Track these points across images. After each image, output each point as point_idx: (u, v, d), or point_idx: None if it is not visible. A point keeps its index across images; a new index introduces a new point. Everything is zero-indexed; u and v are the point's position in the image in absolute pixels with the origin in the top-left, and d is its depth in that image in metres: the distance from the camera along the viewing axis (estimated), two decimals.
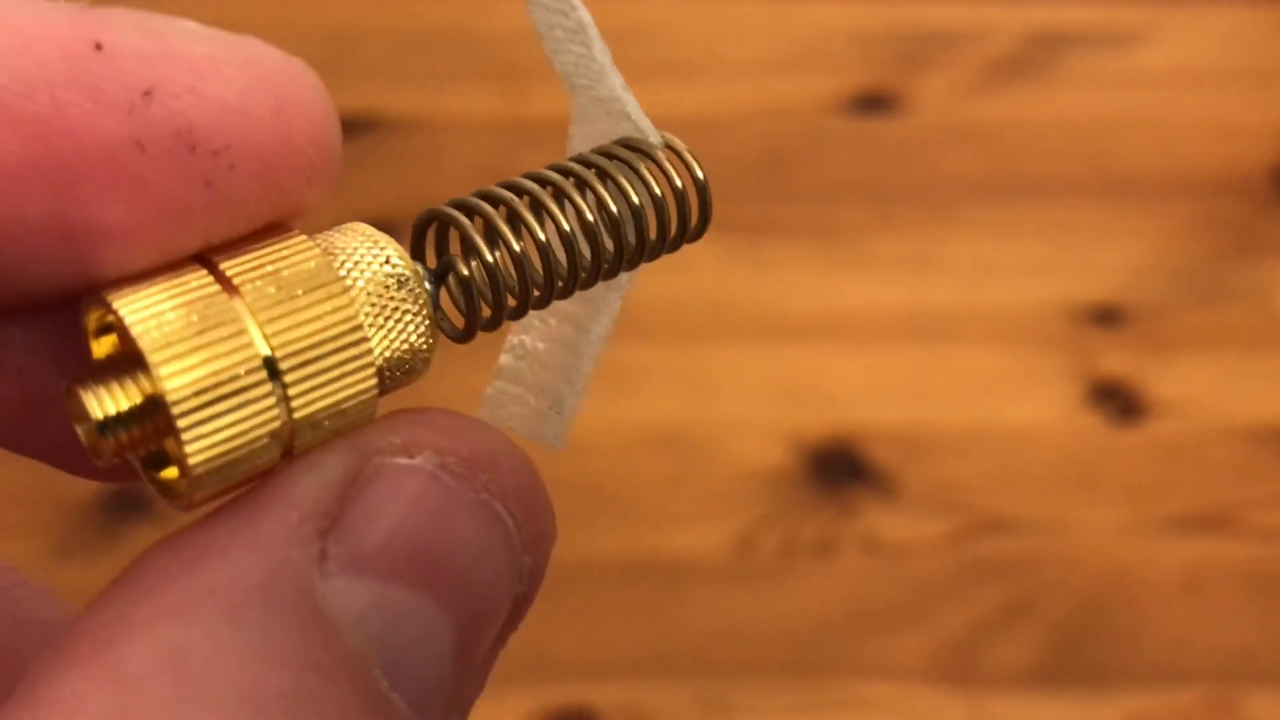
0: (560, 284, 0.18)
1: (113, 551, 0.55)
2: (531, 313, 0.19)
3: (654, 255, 0.19)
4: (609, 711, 0.51)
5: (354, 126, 0.71)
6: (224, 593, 0.14)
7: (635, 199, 0.18)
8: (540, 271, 0.18)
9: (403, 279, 0.17)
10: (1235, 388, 0.61)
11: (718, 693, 0.52)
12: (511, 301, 0.18)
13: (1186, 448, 0.59)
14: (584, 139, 0.20)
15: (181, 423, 0.15)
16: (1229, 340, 0.63)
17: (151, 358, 0.15)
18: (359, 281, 0.17)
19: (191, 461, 0.15)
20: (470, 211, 0.18)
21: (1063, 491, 0.58)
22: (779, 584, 0.55)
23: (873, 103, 0.73)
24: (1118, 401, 0.61)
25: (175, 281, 0.15)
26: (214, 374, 0.15)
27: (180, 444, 0.15)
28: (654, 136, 0.19)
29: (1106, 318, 0.63)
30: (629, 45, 0.76)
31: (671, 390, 0.60)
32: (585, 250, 0.18)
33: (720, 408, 0.60)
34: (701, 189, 0.19)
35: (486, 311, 0.18)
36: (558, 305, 0.19)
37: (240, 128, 0.15)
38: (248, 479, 0.16)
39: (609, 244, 0.18)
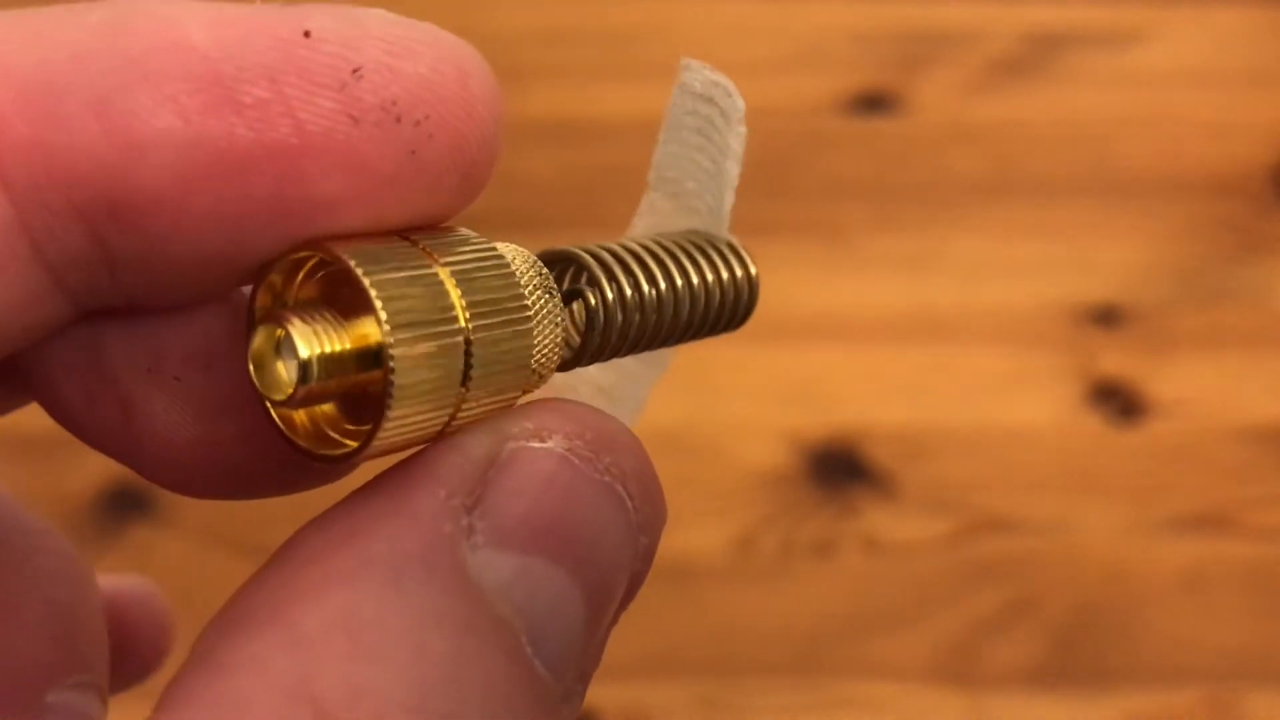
0: (658, 334, 0.20)
1: (113, 551, 0.55)
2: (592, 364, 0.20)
3: (704, 333, 0.22)
4: (609, 711, 0.51)
5: None
6: (385, 561, 0.15)
7: (710, 277, 0.21)
8: (648, 318, 0.20)
9: (551, 289, 0.18)
10: (1235, 388, 0.61)
11: (718, 693, 0.52)
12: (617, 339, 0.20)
13: (1186, 448, 0.59)
14: (646, 230, 0.22)
15: (395, 377, 0.15)
16: (1229, 340, 0.63)
17: (382, 307, 0.15)
18: (522, 280, 0.18)
19: (390, 414, 0.16)
20: (594, 254, 0.19)
21: (1063, 491, 0.58)
22: (779, 584, 0.55)
23: (873, 103, 0.73)
24: (1118, 401, 0.61)
25: (388, 245, 0.16)
26: (426, 337, 0.16)
27: (386, 398, 0.16)
28: (726, 235, 0.22)
29: (1106, 318, 0.64)
30: (629, 45, 0.76)
31: (671, 390, 0.60)
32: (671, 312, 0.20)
33: (720, 408, 0.60)
34: (754, 284, 0.22)
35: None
36: (620, 361, 0.21)
37: (435, 100, 0.16)
38: (405, 446, 0.17)
39: (688, 311, 0.21)
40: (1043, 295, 0.64)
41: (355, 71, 0.16)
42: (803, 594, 0.55)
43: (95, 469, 0.57)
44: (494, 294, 0.17)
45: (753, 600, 0.54)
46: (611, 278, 0.19)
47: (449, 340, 0.16)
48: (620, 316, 0.19)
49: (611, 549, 0.17)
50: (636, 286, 0.20)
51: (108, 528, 0.56)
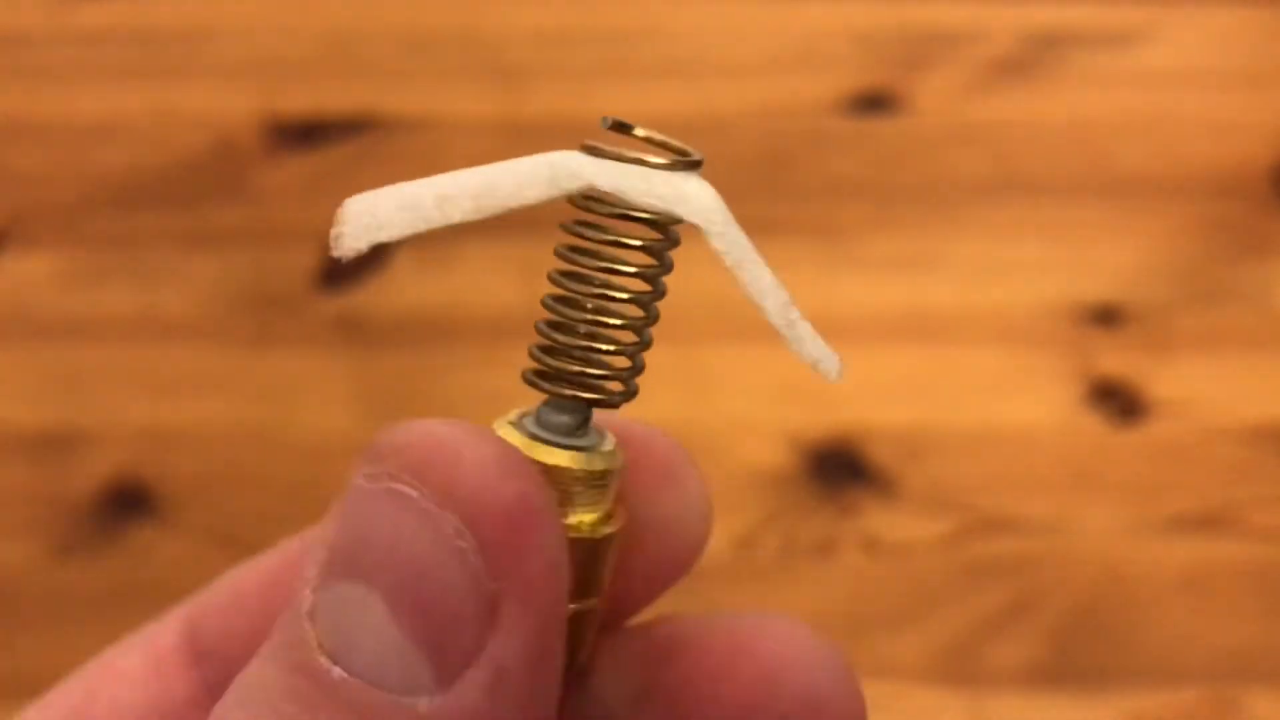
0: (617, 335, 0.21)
1: (113, 551, 0.55)
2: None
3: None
4: None
5: (354, 126, 0.71)
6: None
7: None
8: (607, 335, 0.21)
9: (597, 476, 0.20)
10: (1235, 388, 0.61)
11: None
12: (601, 366, 0.21)
13: (1186, 448, 0.59)
14: None
15: None
16: (1229, 340, 0.63)
17: None
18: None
19: None
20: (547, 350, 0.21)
21: (1063, 491, 0.58)
22: (779, 584, 0.55)
23: (873, 103, 0.73)
24: (1118, 401, 0.61)
25: None
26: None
27: None
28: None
29: (1106, 318, 0.63)
30: (629, 45, 0.76)
31: (671, 390, 0.60)
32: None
33: (720, 408, 0.60)
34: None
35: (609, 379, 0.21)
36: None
37: None
38: None
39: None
40: (1043, 295, 0.64)
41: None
42: (803, 594, 0.55)
43: (95, 469, 0.57)
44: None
45: (753, 600, 0.54)
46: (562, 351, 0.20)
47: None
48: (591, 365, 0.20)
49: (406, 543, 0.18)
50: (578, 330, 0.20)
51: (108, 528, 0.56)
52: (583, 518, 0.20)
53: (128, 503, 0.57)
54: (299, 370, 0.61)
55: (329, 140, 0.69)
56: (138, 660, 0.25)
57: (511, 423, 0.20)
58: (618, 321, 0.20)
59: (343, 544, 0.18)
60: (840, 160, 0.70)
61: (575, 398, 0.20)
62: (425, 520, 0.18)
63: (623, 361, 0.21)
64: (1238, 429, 0.60)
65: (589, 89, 0.72)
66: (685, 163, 0.20)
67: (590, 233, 0.20)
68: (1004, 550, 0.56)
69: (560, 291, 0.20)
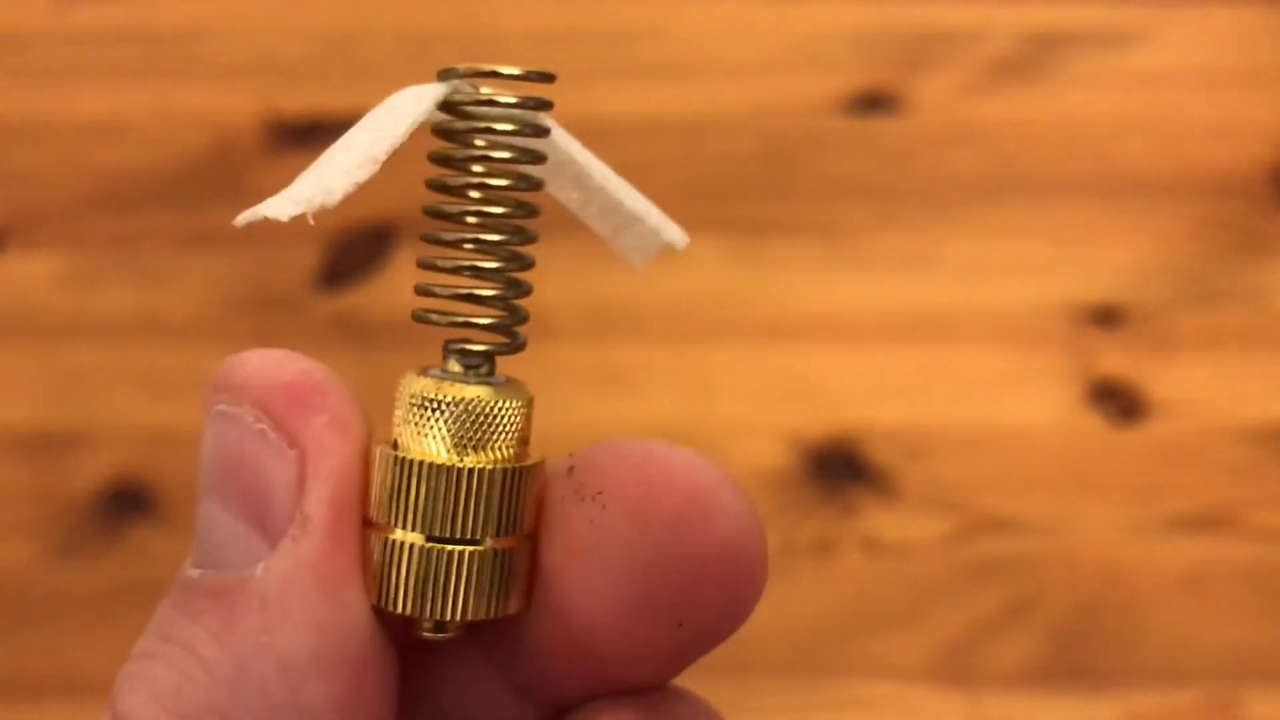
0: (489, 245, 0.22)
1: (113, 551, 0.55)
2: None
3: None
4: None
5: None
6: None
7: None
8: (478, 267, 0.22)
9: (461, 405, 0.21)
10: (1235, 388, 0.61)
11: (718, 693, 0.52)
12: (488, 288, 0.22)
13: (1186, 448, 0.59)
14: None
15: None
16: (1229, 340, 0.63)
17: (419, 614, 0.21)
18: (446, 444, 0.21)
19: None
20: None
21: (1063, 491, 0.58)
22: (779, 584, 0.55)
23: (873, 103, 0.73)
24: (1118, 401, 0.61)
25: (376, 556, 0.21)
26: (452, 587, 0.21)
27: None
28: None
29: (1106, 318, 0.63)
30: (629, 45, 0.76)
31: (671, 390, 0.60)
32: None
33: (720, 408, 0.60)
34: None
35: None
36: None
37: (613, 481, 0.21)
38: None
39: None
40: (1043, 295, 0.64)
41: (570, 470, 0.21)
42: (803, 594, 0.55)
43: (95, 469, 0.57)
44: (463, 509, 0.21)
45: None
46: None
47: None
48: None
49: (222, 447, 0.21)
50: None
51: (108, 528, 0.56)
52: (500, 452, 0.21)
53: (128, 503, 0.57)
54: None
55: (329, 140, 0.69)
56: None
57: (417, 374, 0.22)
58: (495, 238, 0.22)
59: (197, 475, 0.21)
60: (840, 160, 0.70)
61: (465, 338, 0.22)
62: (230, 420, 0.21)
63: (497, 289, 0.22)
64: (1238, 429, 0.60)
65: (589, 89, 0.72)
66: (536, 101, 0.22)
67: (459, 124, 0.22)
68: (1004, 550, 0.56)
69: (440, 227, 0.22)
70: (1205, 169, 0.70)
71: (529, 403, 0.21)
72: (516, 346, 0.22)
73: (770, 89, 0.73)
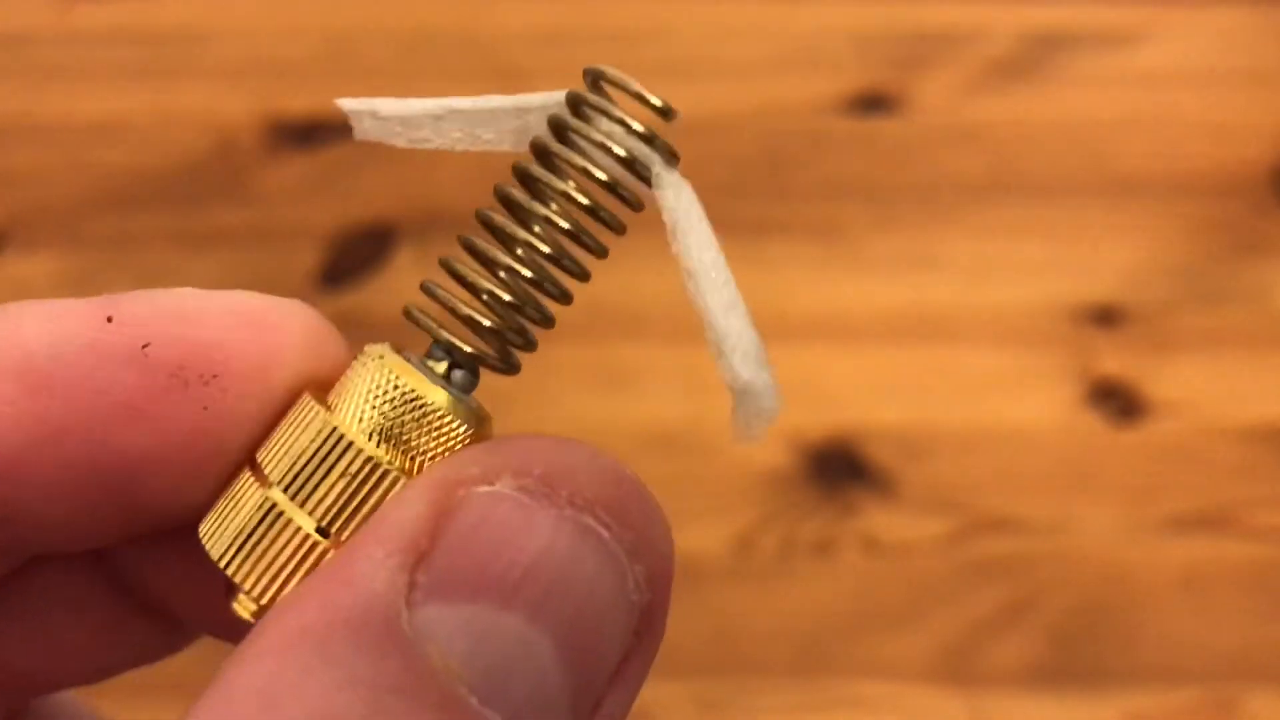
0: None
1: None
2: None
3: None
4: None
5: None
6: (314, 628, 0.16)
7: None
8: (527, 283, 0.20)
9: (411, 399, 0.19)
10: (1235, 388, 0.61)
11: (718, 693, 0.52)
12: (509, 320, 0.20)
13: (1186, 448, 0.59)
14: None
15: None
16: (1229, 340, 0.63)
17: (232, 576, 0.19)
18: (365, 424, 0.19)
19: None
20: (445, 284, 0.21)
21: (1063, 491, 0.58)
22: (779, 584, 0.55)
23: (873, 103, 0.73)
24: (1118, 401, 0.61)
25: (229, 494, 0.19)
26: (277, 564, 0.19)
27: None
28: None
29: (1106, 318, 0.63)
30: (629, 45, 0.76)
31: (671, 390, 0.60)
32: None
33: (720, 408, 0.60)
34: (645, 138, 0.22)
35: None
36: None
37: (224, 359, 0.19)
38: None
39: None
40: (1043, 295, 0.64)
41: (144, 347, 0.19)
42: (803, 594, 0.55)
43: None
44: (331, 473, 0.19)
45: (753, 600, 0.54)
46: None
47: (308, 552, 0.19)
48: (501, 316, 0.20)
49: (582, 583, 0.16)
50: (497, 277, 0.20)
51: None
52: (411, 462, 0.20)
53: None
54: None
55: (329, 140, 0.69)
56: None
57: (394, 349, 0.21)
58: (549, 250, 0.21)
59: (492, 566, 0.16)
60: (840, 160, 0.70)
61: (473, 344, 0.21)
62: (613, 565, 0.17)
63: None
64: (1237, 429, 0.60)
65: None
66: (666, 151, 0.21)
67: (561, 149, 0.21)
68: (1004, 550, 0.56)
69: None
70: (1205, 169, 0.70)
71: (477, 435, 0.19)
72: (509, 367, 0.20)
73: (770, 89, 0.73)
